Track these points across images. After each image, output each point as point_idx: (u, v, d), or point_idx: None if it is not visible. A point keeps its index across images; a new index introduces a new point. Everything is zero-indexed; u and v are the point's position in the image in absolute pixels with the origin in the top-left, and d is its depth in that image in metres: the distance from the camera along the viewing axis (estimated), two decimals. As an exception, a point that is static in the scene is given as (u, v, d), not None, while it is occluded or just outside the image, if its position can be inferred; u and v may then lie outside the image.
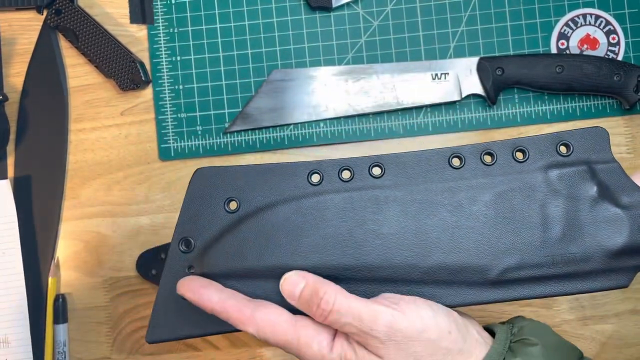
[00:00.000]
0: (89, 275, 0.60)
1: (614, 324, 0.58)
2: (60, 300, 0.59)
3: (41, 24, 0.60)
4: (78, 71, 0.61)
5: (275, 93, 0.59)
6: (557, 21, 0.60)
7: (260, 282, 0.39)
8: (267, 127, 0.60)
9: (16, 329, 0.59)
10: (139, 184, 0.60)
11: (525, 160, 0.39)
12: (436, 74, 0.59)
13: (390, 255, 0.38)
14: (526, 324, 0.39)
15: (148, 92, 0.61)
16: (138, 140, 0.60)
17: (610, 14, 0.59)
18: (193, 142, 0.60)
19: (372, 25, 0.60)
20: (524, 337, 0.38)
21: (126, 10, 0.61)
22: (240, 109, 0.60)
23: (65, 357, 0.59)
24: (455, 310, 0.39)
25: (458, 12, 0.60)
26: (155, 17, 0.61)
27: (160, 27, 0.61)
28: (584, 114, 0.59)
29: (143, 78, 0.59)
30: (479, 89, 0.58)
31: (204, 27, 0.60)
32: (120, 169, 0.60)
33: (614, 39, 0.59)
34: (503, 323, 0.41)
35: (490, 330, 0.40)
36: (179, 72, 0.60)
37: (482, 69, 0.58)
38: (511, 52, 0.59)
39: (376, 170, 0.40)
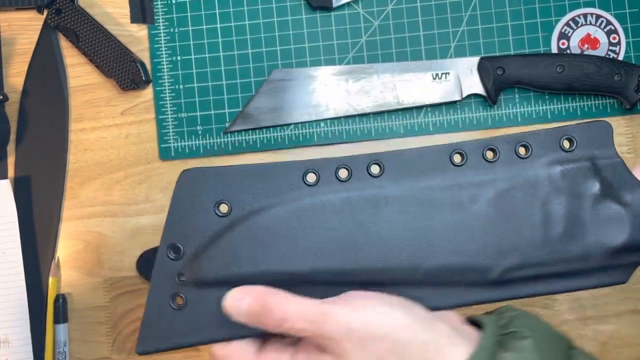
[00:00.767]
0: (89, 275, 0.60)
1: (615, 324, 0.58)
2: (61, 300, 0.59)
3: (41, 23, 0.60)
4: (78, 71, 0.61)
5: (275, 93, 0.59)
6: (557, 21, 0.59)
7: None
8: (267, 127, 0.59)
9: (16, 328, 0.59)
10: (139, 183, 0.60)
11: (528, 157, 0.39)
12: (437, 74, 0.59)
13: (390, 258, 0.37)
14: (515, 314, 0.37)
15: (148, 92, 0.61)
16: (138, 140, 0.60)
17: (611, 14, 0.59)
18: (193, 142, 0.60)
19: (372, 24, 0.60)
20: (514, 329, 0.36)
21: (126, 10, 0.61)
22: (240, 109, 0.60)
23: (65, 357, 0.59)
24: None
25: (459, 12, 0.60)
26: (155, 17, 0.61)
27: (161, 27, 0.60)
28: (584, 113, 0.59)
29: (143, 78, 0.59)
30: (479, 89, 0.58)
31: (204, 26, 0.60)
32: (121, 168, 0.60)
33: (614, 38, 0.59)
34: (488, 313, 0.39)
35: (474, 321, 0.38)
36: (180, 72, 0.60)
37: (483, 69, 0.58)
38: (512, 52, 0.59)
39: (375, 169, 0.39)
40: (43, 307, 0.59)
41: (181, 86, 0.60)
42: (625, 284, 0.58)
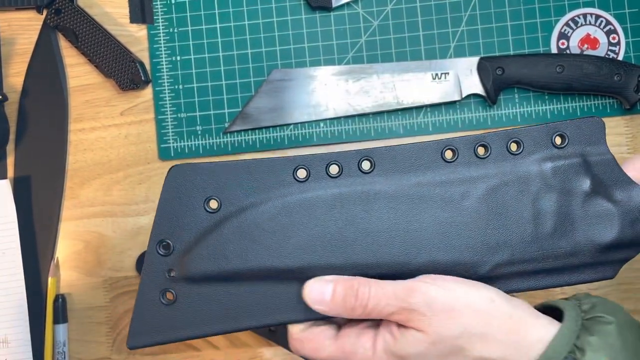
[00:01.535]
0: (89, 275, 0.60)
1: (615, 324, 0.58)
2: (60, 300, 0.59)
3: (41, 23, 0.60)
4: (78, 71, 0.61)
5: (275, 93, 0.59)
6: (557, 21, 0.59)
7: (246, 285, 0.38)
8: (267, 127, 0.59)
9: (16, 329, 0.59)
10: (139, 184, 0.60)
11: (520, 152, 0.39)
12: (436, 74, 0.59)
13: (380, 254, 0.37)
14: (597, 300, 0.38)
15: (148, 92, 0.61)
16: (138, 140, 0.60)
17: (610, 14, 0.59)
18: (193, 142, 0.60)
19: (372, 25, 0.60)
20: (598, 314, 0.36)
21: (126, 10, 0.61)
22: (240, 109, 0.60)
23: (65, 357, 0.59)
24: None
25: (458, 12, 0.60)
26: (155, 17, 0.61)
27: (160, 27, 0.60)
28: (584, 113, 0.59)
29: (143, 78, 0.59)
30: (479, 89, 0.58)
31: (203, 26, 0.60)
32: (120, 169, 0.60)
33: (614, 38, 0.59)
34: (564, 299, 0.39)
35: (549, 307, 0.39)
36: (179, 72, 0.60)
37: (483, 69, 0.58)
38: (511, 52, 0.59)
39: (365, 165, 0.38)
40: (42, 307, 0.59)
41: (180, 86, 0.60)
42: (625, 284, 0.59)
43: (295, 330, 0.39)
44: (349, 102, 0.59)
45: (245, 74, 0.60)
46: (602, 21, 0.59)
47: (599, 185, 0.38)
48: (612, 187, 0.38)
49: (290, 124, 0.59)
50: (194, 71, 0.60)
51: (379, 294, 0.36)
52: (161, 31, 0.60)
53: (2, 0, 0.60)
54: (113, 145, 0.60)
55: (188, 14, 0.60)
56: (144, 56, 0.60)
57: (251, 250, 0.37)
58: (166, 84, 0.60)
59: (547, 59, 0.57)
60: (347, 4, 0.60)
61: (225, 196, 0.38)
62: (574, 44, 0.59)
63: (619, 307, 0.38)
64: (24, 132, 0.60)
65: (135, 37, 0.61)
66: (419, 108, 0.59)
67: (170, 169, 0.38)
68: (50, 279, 0.59)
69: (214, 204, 0.38)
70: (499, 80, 0.57)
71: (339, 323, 0.39)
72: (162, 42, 0.60)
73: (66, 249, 0.60)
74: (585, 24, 0.59)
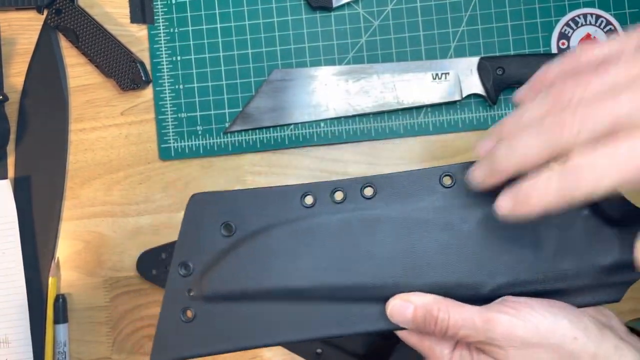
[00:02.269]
0: (89, 275, 0.60)
1: (615, 324, 0.58)
2: (60, 300, 0.59)
3: (41, 23, 0.60)
4: (78, 71, 0.61)
5: (275, 93, 0.59)
6: (557, 21, 0.59)
7: (261, 304, 0.40)
8: (267, 127, 0.59)
9: (16, 329, 0.59)
10: (139, 184, 0.60)
11: None
12: (437, 74, 0.59)
13: (383, 276, 0.39)
14: None
15: (148, 92, 0.61)
16: (138, 140, 0.60)
17: (610, 14, 0.59)
18: (193, 142, 0.60)
19: (372, 25, 0.60)
20: None
21: (126, 10, 0.61)
22: (240, 109, 0.60)
23: (65, 357, 0.59)
24: (596, 309, 0.38)
25: (459, 12, 0.60)
26: (155, 17, 0.61)
27: (161, 27, 0.60)
28: (584, 113, 0.59)
29: (143, 78, 0.59)
30: (479, 89, 0.58)
31: (204, 26, 0.60)
32: (120, 169, 0.60)
33: (614, 38, 0.59)
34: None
35: (633, 329, 0.39)
36: (179, 72, 0.60)
37: (483, 69, 0.58)
38: (512, 52, 0.59)
39: (368, 191, 0.41)
40: (43, 307, 0.59)
41: (181, 86, 0.60)
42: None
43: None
44: (350, 102, 0.59)
45: (245, 74, 0.60)
46: (602, 21, 0.59)
47: (598, 208, 0.38)
48: (610, 210, 0.38)
49: (290, 124, 0.59)
50: (194, 71, 0.60)
51: (459, 323, 0.36)
52: (162, 31, 0.60)
53: (2, 0, 0.60)
54: (113, 145, 0.60)
55: (188, 14, 0.60)
56: (144, 56, 0.61)
57: (264, 271, 0.40)
58: (167, 84, 0.60)
59: (548, 59, 0.57)
60: (348, 4, 0.60)
61: (240, 221, 0.41)
62: (574, 44, 0.59)
63: None
64: (24, 132, 0.60)
65: (135, 37, 0.61)
66: (419, 108, 0.59)
67: (191, 197, 0.41)
68: (50, 279, 0.59)
69: (229, 229, 0.41)
70: (499, 80, 0.57)
71: None
72: (162, 42, 0.60)
73: (66, 249, 0.60)
74: (586, 24, 0.59)
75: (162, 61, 0.60)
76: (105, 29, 0.59)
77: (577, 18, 0.59)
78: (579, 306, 0.39)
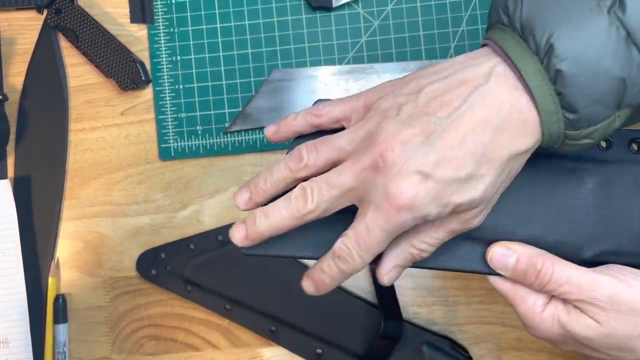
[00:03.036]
0: (89, 275, 0.60)
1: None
2: (60, 300, 0.59)
3: (41, 23, 0.60)
4: (78, 71, 0.61)
5: (275, 93, 0.59)
6: (558, 21, 0.59)
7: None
8: (267, 127, 0.59)
9: (16, 329, 0.59)
10: (139, 184, 0.60)
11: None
12: (437, 74, 0.59)
13: (493, 217, 0.38)
14: None
15: (148, 92, 0.61)
16: (138, 140, 0.60)
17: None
18: (193, 142, 0.60)
19: (372, 24, 0.60)
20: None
21: (126, 10, 0.61)
22: (240, 109, 0.60)
23: (65, 357, 0.59)
24: None
25: (459, 12, 0.60)
26: (155, 17, 0.61)
27: (161, 27, 0.60)
28: (584, 113, 0.59)
29: (143, 78, 0.59)
30: (479, 89, 0.58)
31: (204, 26, 0.60)
32: (120, 168, 0.60)
33: (615, 38, 0.59)
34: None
35: None
36: (179, 72, 0.60)
37: (483, 69, 0.58)
38: (512, 52, 0.59)
39: None
40: (43, 307, 0.59)
41: (181, 86, 0.60)
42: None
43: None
44: (350, 102, 0.59)
45: (245, 74, 0.60)
46: (602, 21, 0.59)
47: None
48: None
49: (290, 124, 0.59)
50: (194, 71, 0.60)
51: (562, 278, 0.36)
52: (161, 31, 0.60)
53: (2, 0, 0.60)
54: (113, 145, 0.60)
55: (188, 14, 0.60)
56: (144, 56, 0.60)
57: None
58: (166, 84, 0.60)
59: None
60: (348, 3, 0.60)
61: None
62: (574, 44, 0.59)
63: None
64: (24, 132, 0.60)
65: (135, 37, 0.61)
66: (420, 108, 0.59)
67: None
68: (50, 279, 0.59)
69: None
70: (499, 80, 0.57)
71: None
72: (162, 42, 0.60)
73: (66, 249, 0.60)
74: (586, 24, 0.59)
75: (162, 61, 0.60)
76: (105, 29, 0.59)
77: (577, 18, 0.59)
78: None
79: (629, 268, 0.37)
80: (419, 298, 0.58)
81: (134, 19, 0.61)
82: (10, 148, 0.60)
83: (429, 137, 0.33)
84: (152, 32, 0.60)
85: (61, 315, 0.59)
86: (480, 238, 0.39)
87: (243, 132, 0.60)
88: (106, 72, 0.60)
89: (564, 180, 0.39)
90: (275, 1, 0.60)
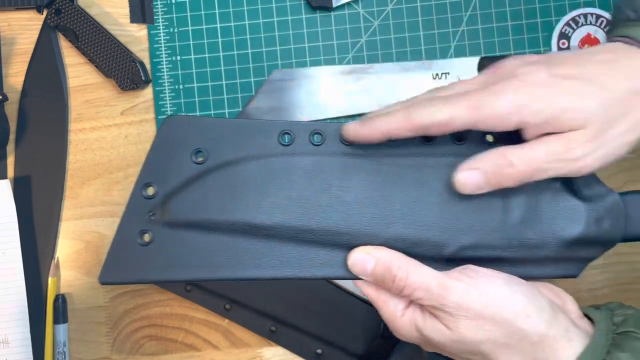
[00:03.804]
0: (89, 275, 0.60)
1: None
2: (60, 300, 0.59)
3: (41, 23, 0.60)
4: (78, 71, 0.61)
5: (275, 93, 0.59)
6: (558, 21, 0.59)
7: (221, 236, 0.39)
8: (267, 127, 0.59)
9: (16, 329, 0.59)
10: (139, 183, 0.60)
11: (495, 143, 0.39)
12: (437, 74, 0.59)
13: (351, 223, 0.39)
14: (631, 313, 0.37)
15: (148, 92, 0.61)
16: (138, 140, 0.60)
17: (611, 14, 0.59)
18: (193, 142, 0.60)
19: (372, 24, 0.60)
20: (630, 329, 0.35)
21: (126, 10, 0.61)
22: (240, 109, 0.60)
23: (65, 357, 0.59)
24: (552, 291, 0.39)
25: (459, 12, 0.60)
26: (155, 17, 0.61)
27: (160, 27, 0.60)
28: (585, 113, 0.59)
29: (143, 78, 0.59)
30: (479, 89, 0.58)
31: (204, 26, 0.60)
32: (121, 168, 0.60)
33: (615, 38, 0.59)
34: (595, 307, 0.39)
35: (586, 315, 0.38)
36: (179, 72, 0.60)
37: (483, 69, 0.58)
38: (512, 52, 0.59)
39: None
40: (43, 307, 0.59)
41: (181, 86, 0.60)
42: (627, 284, 0.59)
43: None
44: (350, 102, 0.59)
45: (245, 74, 0.60)
46: (602, 21, 0.59)
47: (569, 182, 0.39)
48: (581, 185, 0.39)
49: (290, 124, 0.59)
50: (194, 71, 0.60)
51: (415, 284, 0.37)
52: (161, 31, 0.60)
53: (2, 0, 0.60)
54: (113, 145, 0.60)
55: (188, 14, 0.60)
56: (144, 56, 0.60)
57: (230, 203, 0.39)
58: (166, 84, 0.60)
59: (548, 59, 0.57)
60: (348, 3, 0.60)
61: (213, 149, 0.40)
62: (574, 44, 0.59)
63: None
64: (24, 132, 0.60)
65: (135, 37, 0.61)
66: (420, 108, 0.59)
67: (167, 117, 0.40)
68: (50, 279, 0.59)
69: (201, 156, 0.40)
70: (499, 80, 0.57)
71: None
72: (162, 42, 0.60)
73: (66, 249, 0.60)
74: (586, 24, 0.59)
75: (162, 61, 0.60)
76: (104, 29, 0.59)
77: (577, 18, 0.59)
78: (538, 278, 0.39)
79: (483, 270, 0.37)
80: (419, 298, 0.58)
81: (133, 19, 0.61)
82: (10, 148, 0.60)
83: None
84: (152, 32, 0.60)
85: (61, 315, 0.59)
86: (342, 244, 0.39)
87: (243, 132, 0.60)
88: (106, 72, 0.59)
89: (417, 177, 0.39)
90: (275, 1, 0.60)
